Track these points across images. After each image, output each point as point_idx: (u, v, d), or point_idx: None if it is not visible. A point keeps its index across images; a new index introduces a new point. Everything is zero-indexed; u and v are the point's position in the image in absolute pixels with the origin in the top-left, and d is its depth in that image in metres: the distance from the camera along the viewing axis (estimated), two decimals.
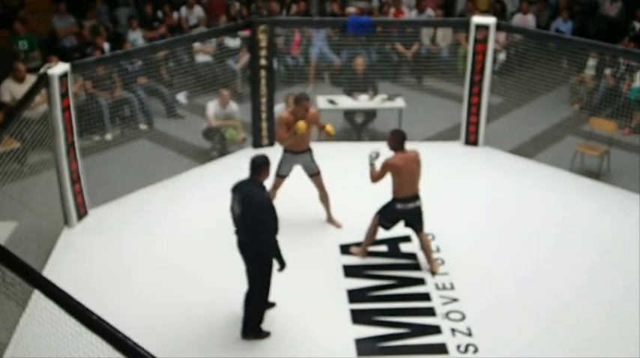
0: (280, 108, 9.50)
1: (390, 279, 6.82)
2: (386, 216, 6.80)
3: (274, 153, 9.10)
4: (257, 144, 9.33)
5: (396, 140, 6.59)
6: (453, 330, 6.18)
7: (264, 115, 9.16)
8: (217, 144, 9.32)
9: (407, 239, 7.37)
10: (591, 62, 10.54)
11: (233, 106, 9.42)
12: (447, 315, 6.35)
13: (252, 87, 9.08)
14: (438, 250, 7.21)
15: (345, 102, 10.01)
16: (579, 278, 6.79)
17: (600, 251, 7.22)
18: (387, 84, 10.89)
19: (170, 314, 6.26)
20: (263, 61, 8.90)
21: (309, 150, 7.35)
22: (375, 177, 6.64)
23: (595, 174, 8.88)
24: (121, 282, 6.64)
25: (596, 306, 6.43)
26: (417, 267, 6.98)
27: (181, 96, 10.87)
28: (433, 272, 6.83)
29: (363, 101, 9.98)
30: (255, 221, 5.62)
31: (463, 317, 6.32)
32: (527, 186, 8.41)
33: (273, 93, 9.18)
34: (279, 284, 6.42)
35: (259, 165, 5.74)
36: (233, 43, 11.08)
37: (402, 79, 11.57)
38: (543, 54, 9.80)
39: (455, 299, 6.54)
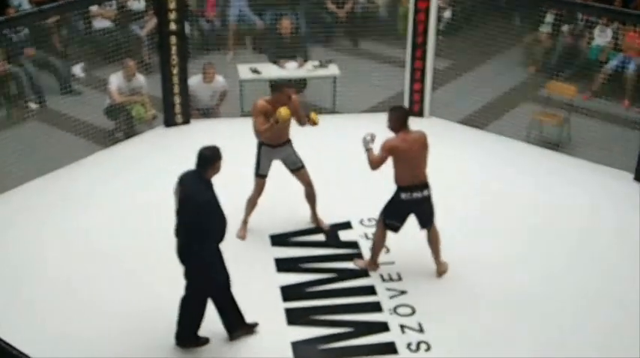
0: (196, 81, 9.43)
1: (328, 272, 6.87)
2: (391, 214, 6.61)
3: (189, 133, 9.19)
4: (169, 122, 9.23)
5: (397, 118, 6.41)
6: (402, 327, 6.27)
7: (176, 89, 9.06)
8: (123, 124, 9.19)
9: (347, 225, 7.43)
10: (547, 18, 10.77)
11: (140, 79, 9.28)
12: (394, 310, 6.44)
13: (162, 56, 8.95)
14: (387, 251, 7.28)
15: (270, 71, 9.97)
16: (538, 262, 6.98)
17: (564, 231, 7.43)
18: (319, 49, 10.89)
19: (71, 335, 6.18)
20: (173, 26, 8.78)
21: (290, 141, 7.18)
22: (375, 162, 6.37)
23: (554, 145, 9.11)
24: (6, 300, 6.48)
25: (564, 296, 6.62)
26: (359, 257, 7.06)
27: (77, 69, 10.65)
28: (440, 273, 6.79)
29: (291, 69, 9.96)
30: (194, 223, 5.50)
31: (413, 312, 6.41)
32: (480, 161, 8.57)
33: (186, 62, 9.06)
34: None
35: (208, 159, 5.57)
36: (137, 5, 10.88)
37: (336, 42, 11.59)
38: (493, 10, 9.95)
39: (403, 292, 6.64)
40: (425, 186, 6.52)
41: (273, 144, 7.06)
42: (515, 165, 8.57)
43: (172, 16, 8.72)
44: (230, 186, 7.90)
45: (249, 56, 11.07)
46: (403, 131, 6.41)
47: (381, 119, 9.39)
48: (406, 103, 9.50)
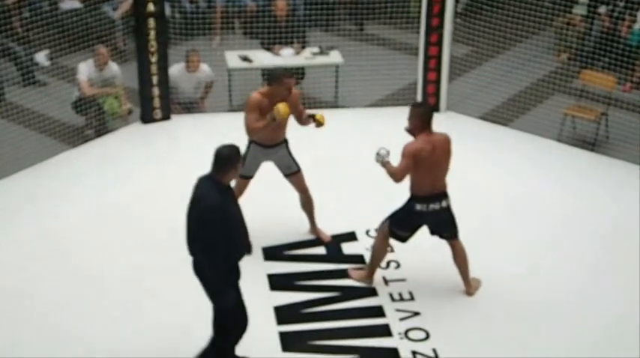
0: (178, 70, 9.44)
1: (330, 291, 6.86)
2: (400, 223, 6.59)
3: (169, 130, 9.21)
4: (147, 117, 9.25)
5: (421, 116, 6.35)
6: (414, 354, 6.25)
7: (155, 79, 9.09)
8: (94, 120, 9.20)
9: (351, 237, 7.44)
10: None
11: (113, 68, 9.29)
12: (406, 334, 6.43)
13: (138, 42, 8.97)
14: (392, 249, 7.28)
15: (263, 58, 9.99)
16: (573, 280, 6.98)
17: (599, 242, 7.43)
18: (318, 33, 10.92)
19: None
20: (151, 7, 8.81)
21: (285, 142, 7.15)
22: (399, 173, 6.29)
23: (589, 144, 9.12)
24: None
25: (595, 313, 6.63)
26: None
27: (41, 57, 10.66)
28: (469, 294, 6.80)
29: (286, 57, 9.98)
30: (198, 232, 5.49)
31: (427, 336, 6.41)
32: (504, 163, 8.58)
33: (166, 49, 9.09)
34: (187, 303, 6.48)
35: (225, 160, 5.54)
36: None
37: (338, 25, 11.61)
38: None
39: (416, 313, 6.63)
40: (444, 195, 6.51)
41: (265, 144, 7.05)
42: (544, 167, 8.58)
43: None
44: None
45: (239, 42, 11.09)
46: (426, 132, 6.36)
47: (390, 114, 9.46)
48: (419, 96, 9.51)
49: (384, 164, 6.40)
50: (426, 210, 6.46)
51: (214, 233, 5.46)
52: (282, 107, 6.70)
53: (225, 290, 5.63)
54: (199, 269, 5.63)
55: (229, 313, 5.70)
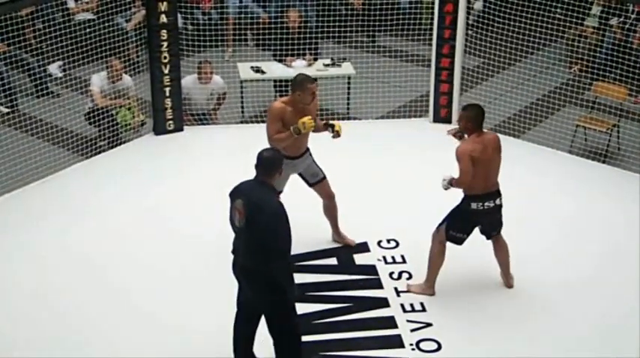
0: (190, 81, 9.49)
1: (341, 302, 6.89)
2: (457, 225, 6.69)
3: (182, 141, 9.26)
4: (160, 129, 9.30)
5: (472, 119, 6.51)
6: None
7: (167, 91, 9.15)
8: (106, 131, 9.26)
9: (363, 247, 7.49)
10: (594, 10, 10.81)
11: (126, 80, 9.36)
12: (417, 346, 6.45)
13: (151, 53, 9.03)
14: (404, 260, 7.33)
15: (275, 70, 10.05)
16: (584, 291, 7.01)
17: (610, 253, 7.45)
18: (331, 44, 10.97)
19: None
20: (164, 18, 8.87)
21: (308, 150, 7.15)
22: (464, 176, 6.42)
23: (601, 156, 9.14)
24: None
25: (611, 331, 6.66)
26: (377, 283, 7.10)
27: (54, 68, 10.73)
28: (510, 286, 6.98)
29: (299, 68, 10.02)
30: (267, 239, 5.44)
31: (439, 347, 6.43)
32: (516, 174, 8.57)
33: (178, 60, 9.15)
34: (192, 312, 6.56)
35: (271, 162, 5.55)
36: None
37: (350, 37, 11.66)
38: (532, 0, 9.99)
39: (428, 324, 6.66)
40: (497, 193, 6.66)
41: (293, 156, 7.00)
42: (556, 179, 8.60)
43: (163, 7, 8.82)
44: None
45: (251, 53, 11.16)
46: (477, 133, 6.52)
47: (402, 126, 9.50)
48: (431, 107, 9.56)
49: (451, 183, 6.57)
50: (482, 209, 6.59)
51: (285, 235, 5.46)
52: (307, 120, 6.71)
53: (293, 285, 5.64)
54: (263, 277, 5.56)
55: (294, 313, 5.76)
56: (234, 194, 5.63)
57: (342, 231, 7.50)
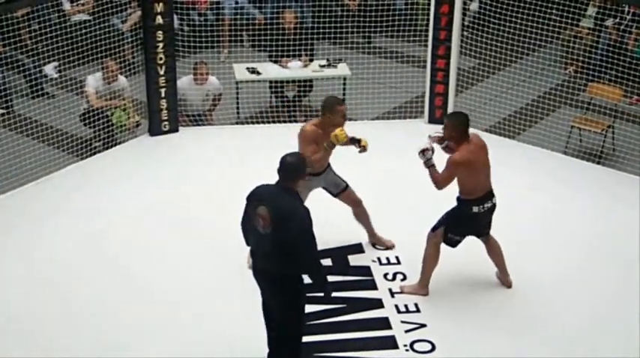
0: (186, 82, 9.50)
1: (335, 303, 6.87)
2: (456, 229, 6.74)
3: (178, 142, 9.26)
4: (155, 130, 9.31)
5: (457, 127, 6.51)
6: None
7: (163, 92, 9.16)
8: (101, 132, 9.27)
9: (357, 248, 7.50)
10: (589, 11, 10.83)
11: (122, 81, 9.36)
12: (411, 347, 6.48)
13: (147, 54, 9.04)
14: (398, 261, 7.35)
15: (271, 71, 10.06)
16: (577, 291, 7.03)
17: (604, 254, 7.47)
18: (326, 45, 10.98)
19: None
20: (160, 19, 8.88)
21: (329, 165, 7.21)
22: (443, 181, 6.49)
23: (596, 156, 9.16)
24: None
25: (601, 331, 6.69)
26: (371, 284, 7.12)
27: (50, 69, 10.74)
28: (509, 286, 6.99)
29: (294, 69, 10.05)
30: (297, 247, 5.42)
31: (433, 348, 6.45)
32: (511, 175, 8.60)
33: (174, 62, 9.17)
34: (184, 315, 6.56)
35: (295, 167, 5.51)
36: None
37: (346, 38, 11.67)
38: (528, 1, 10.00)
39: (422, 325, 6.68)
40: (492, 193, 6.70)
41: (318, 172, 7.05)
42: (551, 180, 8.61)
43: (159, 8, 8.83)
44: (228, 206, 8.04)
45: (247, 54, 11.17)
46: (465, 140, 6.51)
47: (398, 127, 9.52)
48: (426, 108, 9.58)
49: (430, 166, 6.53)
50: (482, 211, 6.64)
51: (314, 240, 5.49)
52: (339, 132, 6.73)
53: (327, 283, 5.74)
54: (283, 282, 5.59)
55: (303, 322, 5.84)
56: (254, 199, 5.56)
57: (378, 233, 7.55)
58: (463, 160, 6.44)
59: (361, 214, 7.39)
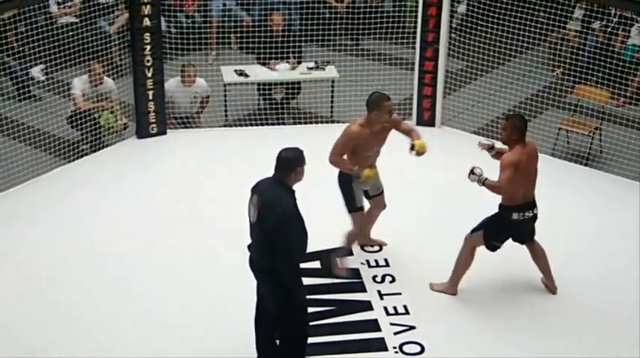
0: (174, 84, 9.49)
1: (324, 305, 6.91)
2: (495, 233, 6.75)
3: (165, 145, 9.24)
4: (143, 132, 9.30)
5: (518, 128, 6.51)
6: None
7: (150, 94, 9.14)
8: (89, 135, 9.25)
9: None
10: (576, 13, 10.87)
11: (109, 83, 9.35)
12: (400, 348, 6.49)
13: (134, 56, 9.02)
14: (387, 263, 7.36)
15: (258, 73, 10.06)
16: (567, 295, 7.06)
17: (591, 255, 7.50)
18: (314, 48, 10.98)
19: None
20: (147, 22, 8.87)
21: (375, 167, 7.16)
22: (504, 185, 6.45)
23: (583, 158, 9.19)
24: None
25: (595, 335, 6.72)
26: (360, 286, 7.13)
27: (37, 71, 10.71)
28: (554, 292, 7.00)
29: (282, 71, 10.05)
30: (276, 238, 5.50)
31: (422, 350, 6.47)
32: (498, 177, 8.63)
33: (162, 64, 9.15)
34: (173, 323, 6.55)
35: (289, 162, 5.60)
36: None
37: (334, 40, 11.67)
38: (516, 3, 10.04)
39: (411, 327, 6.69)
40: (535, 203, 6.72)
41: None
42: (538, 182, 8.61)
43: (146, 10, 8.82)
44: (216, 208, 8.04)
45: (235, 57, 11.16)
46: (521, 143, 6.53)
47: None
48: (414, 110, 9.60)
49: (483, 181, 6.55)
50: (522, 219, 6.65)
51: (294, 236, 5.51)
52: (372, 176, 6.73)
53: (301, 287, 5.72)
54: (271, 275, 5.65)
55: (301, 314, 5.81)
56: (254, 189, 5.72)
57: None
58: (516, 160, 6.45)
59: (375, 217, 7.38)
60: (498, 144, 6.84)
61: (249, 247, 5.82)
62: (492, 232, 6.76)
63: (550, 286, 7.02)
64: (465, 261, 6.87)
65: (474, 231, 6.81)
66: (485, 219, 6.78)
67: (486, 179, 6.54)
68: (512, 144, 6.55)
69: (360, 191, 7.08)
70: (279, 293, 5.68)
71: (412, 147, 6.98)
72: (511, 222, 6.67)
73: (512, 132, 6.53)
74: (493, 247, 6.83)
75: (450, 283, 6.98)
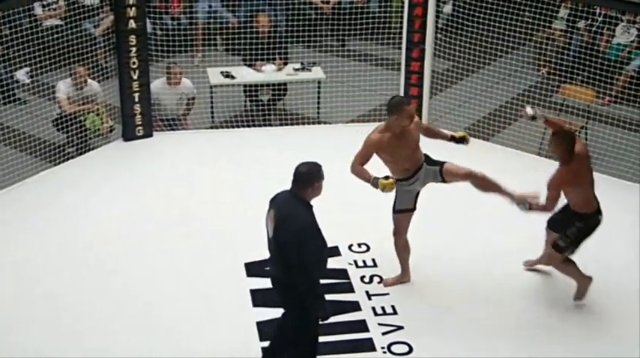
0: (159, 85, 9.48)
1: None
2: (581, 241, 6.71)
3: (152, 147, 9.23)
4: (129, 135, 9.28)
5: (568, 150, 6.42)
6: None
7: (136, 96, 9.13)
8: (75, 137, 9.23)
9: (334, 252, 7.49)
10: (561, 13, 10.91)
11: (93, 85, 9.34)
12: (389, 349, 6.50)
13: (120, 59, 9.01)
14: (375, 264, 7.37)
15: (245, 74, 10.06)
16: (565, 295, 7.07)
17: (581, 255, 7.52)
18: (300, 49, 11.00)
19: None
20: (132, 24, 8.86)
21: (425, 157, 6.81)
22: (550, 206, 6.53)
23: None
24: None
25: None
26: (348, 287, 7.13)
27: (21, 74, 10.69)
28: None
29: (268, 72, 10.05)
30: (290, 252, 5.45)
31: (410, 350, 6.48)
32: None
33: (147, 66, 9.14)
34: (165, 324, 6.54)
35: (307, 177, 5.53)
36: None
37: (320, 41, 11.69)
38: (501, 3, 10.07)
39: (399, 327, 6.71)
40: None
41: (405, 177, 6.75)
42: (525, 181, 8.63)
43: (131, 12, 8.81)
44: (204, 210, 8.04)
45: (221, 58, 11.16)
46: (571, 160, 6.46)
47: (372, 130, 9.48)
48: None
49: (531, 208, 6.61)
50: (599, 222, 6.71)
51: (309, 251, 5.44)
52: (388, 185, 6.40)
53: (318, 302, 5.68)
54: (287, 288, 5.63)
55: (315, 330, 5.80)
56: (271, 203, 5.67)
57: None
58: (560, 183, 6.46)
59: (482, 185, 6.85)
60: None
61: (269, 260, 5.81)
62: (581, 241, 6.73)
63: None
64: (576, 274, 6.80)
65: (557, 247, 6.70)
66: (569, 234, 6.66)
67: (534, 205, 6.57)
68: (562, 162, 6.51)
69: (404, 195, 6.82)
70: (295, 306, 5.66)
71: (456, 139, 6.97)
72: (597, 225, 6.69)
73: (564, 153, 6.46)
74: (568, 252, 6.77)
75: (581, 288, 6.88)
